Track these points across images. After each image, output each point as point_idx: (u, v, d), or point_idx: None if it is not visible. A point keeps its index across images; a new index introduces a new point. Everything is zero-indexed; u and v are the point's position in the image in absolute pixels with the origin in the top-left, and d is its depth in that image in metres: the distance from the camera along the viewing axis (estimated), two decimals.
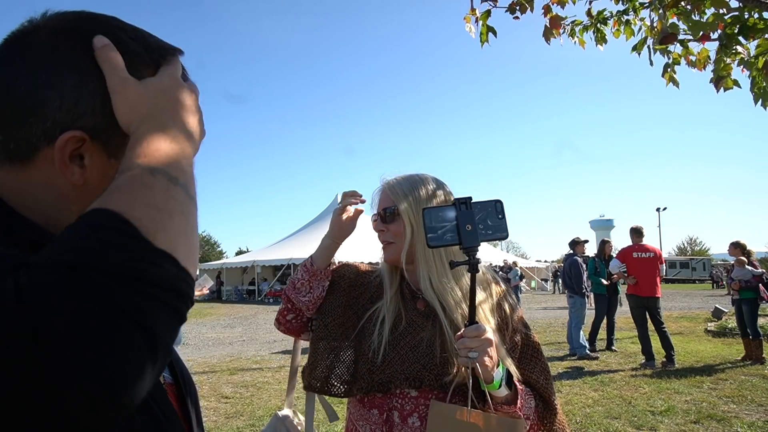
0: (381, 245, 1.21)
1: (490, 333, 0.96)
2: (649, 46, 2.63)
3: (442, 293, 1.10)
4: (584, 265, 7.93)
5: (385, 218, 1.17)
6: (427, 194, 1.18)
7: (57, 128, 0.51)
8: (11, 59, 0.53)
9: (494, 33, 2.74)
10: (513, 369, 1.06)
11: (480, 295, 1.11)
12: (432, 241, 0.95)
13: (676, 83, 2.80)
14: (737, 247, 7.14)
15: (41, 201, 0.54)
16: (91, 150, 0.53)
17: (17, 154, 0.53)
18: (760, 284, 6.83)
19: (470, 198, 0.96)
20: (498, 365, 0.98)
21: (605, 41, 3.03)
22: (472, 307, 0.96)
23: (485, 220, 0.95)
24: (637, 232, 7.08)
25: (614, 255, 7.93)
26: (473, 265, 0.92)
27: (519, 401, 1.01)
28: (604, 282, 7.71)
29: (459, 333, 0.97)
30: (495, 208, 0.96)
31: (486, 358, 0.94)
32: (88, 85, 0.53)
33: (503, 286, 1.21)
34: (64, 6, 0.60)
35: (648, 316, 6.78)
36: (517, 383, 1.04)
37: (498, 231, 0.95)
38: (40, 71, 0.52)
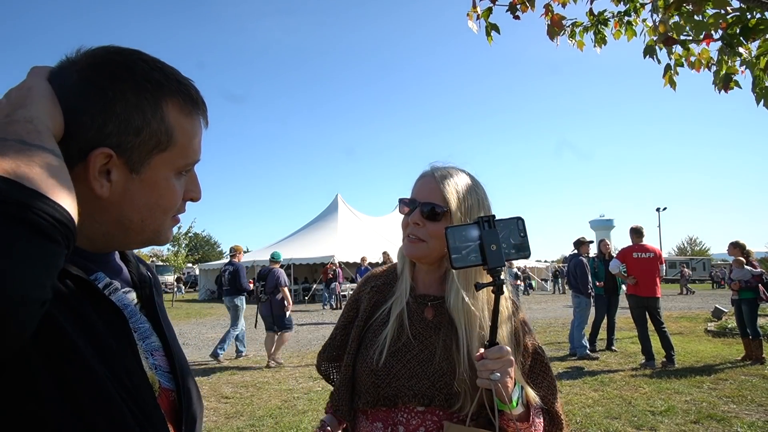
0: (405, 238, 1.12)
1: (511, 354, 0.94)
2: (656, 46, 2.63)
3: (468, 310, 1.05)
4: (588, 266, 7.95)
5: (429, 215, 1.07)
6: (478, 203, 1.10)
7: (88, 146, 0.60)
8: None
9: (497, 31, 2.74)
10: (526, 386, 1.03)
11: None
12: (456, 263, 0.90)
13: (673, 85, 2.80)
14: (737, 247, 7.14)
15: None
16: (117, 166, 0.62)
17: None
18: (760, 284, 6.84)
19: (494, 216, 0.92)
20: (515, 384, 0.96)
21: (604, 42, 3.03)
22: (494, 328, 0.93)
23: (508, 238, 0.91)
24: (636, 232, 7.06)
25: (614, 255, 7.94)
26: (499, 287, 0.89)
27: (531, 417, 0.99)
28: (598, 284, 7.80)
29: (479, 353, 0.94)
30: (517, 225, 0.92)
31: (507, 379, 0.91)
32: (115, 109, 0.61)
33: (514, 300, 1.16)
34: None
35: (648, 316, 6.78)
36: (529, 399, 1.01)
37: (521, 250, 0.92)
38: (75, 100, 0.60)
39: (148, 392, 0.62)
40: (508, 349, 0.94)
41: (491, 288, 0.89)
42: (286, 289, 7.29)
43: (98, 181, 0.61)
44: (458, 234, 0.91)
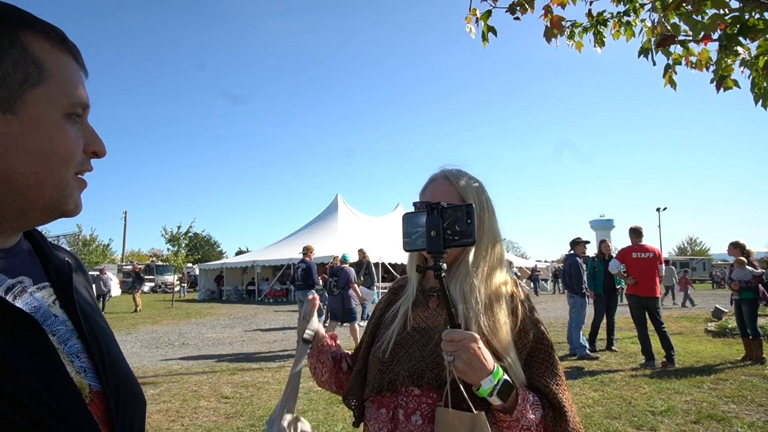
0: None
1: (471, 341, 0.94)
2: (651, 47, 2.63)
3: (468, 297, 1.07)
4: (584, 265, 7.95)
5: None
6: (486, 201, 1.17)
7: None
8: None
9: (494, 33, 2.74)
10: (519, 377, 1.02)
11: (501, 284, 1.12)
12: (406, 246, 0.98)
13: (674, 85, 2.80)
14: (737, 248, 7.16)
15: None
16: None
17: None
18: (760, 284, 6.84)
19: (439, 203, 0.96)
20: (493, 373, 0.95)
21: (603, 44, 3.04)
22: (449, 311, 0.96)
23: (454, 225, 0.94)
24: (636, 233, 7.08)
25: (613, 255, 7.96)
26: (437, 271, 0.93)
27: (516, 411, 0.97)
28: (595, 292, 7.92)
29: (442, 332, 0.98)
30: (465, 212, 0.94)
31: (461, 364, 0.92)
32: None
33: (523, 289, 1.17)
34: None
35: (648, 316, 6.79)
36: (521, 393, 0.99)
37: (464, 236, 0.94)
38: None
39: (74, 400, 0.56)
40: (467, 334, 0.94)
41: (435, 272, 0.94)
42: (356, 286, 8.52)
43: None
44: (410, 220, 0.98)
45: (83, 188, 0.65)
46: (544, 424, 1.02)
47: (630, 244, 7.11)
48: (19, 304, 0.58)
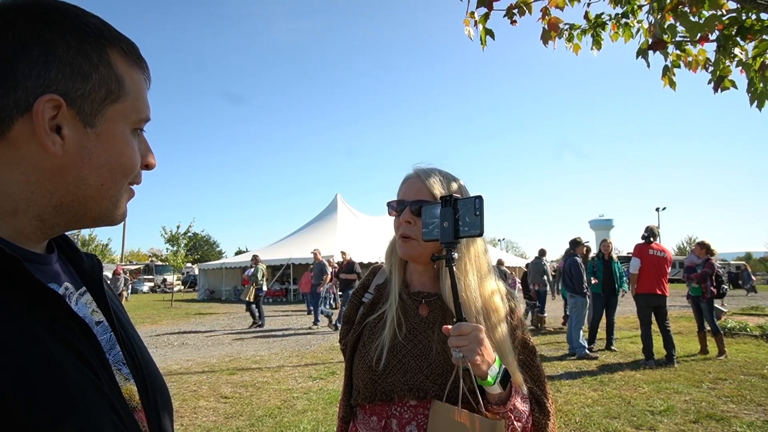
0: (399, 238, 1.14)
1: (478, 331, 0.94)
2: (647, 49, 2.64)
3: (465, 301, 1.06)
4: (583, 265, 7.97)
5: (419, 212, 1.10)
6: (459, 194, 1.14)
7: (30, 95, 0.51)
8: None
9: (492, 36, 2.74)
10: (513, 369, 1.04)
11: (493, 291, 1.12)
12: (424, 236, 1.04)
13: (673, 85, 2.81)
14: (703, 248, 7.62)
15: (11, 184, 0.53)
16: (68, 119, 0.54)
17: None
18: (706, 281, 7.30)
19: (451, 196, 1.00)
20: (495, 361, 0.97)
21: (600, 46, 3.04)
22: (456, 304, 0.96)
23: (464, 216, 0.97)
24: (651, 232, 7.19)
25: (613, 255, 7.99)
26: (449, 260, 0.97)
27: (510, 402, 0.98)
28: (594, 281, 7.91)
29: (445, 327, 0.97)
30: (473, 204, 0.97)
31: (475, 357, 0.92)
32: (57, 52, 0.53)
33: (509, 290, 1.18)
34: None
35: (654, 316, 6.83)
36: (515, 384, 1.02)
37: (472, 228, 0.96)
38: (5, 44, 0.51)
39: (125, 410, 0.56)
40: (474, 326, 0.95)
41: (445, 261, 0.98)
42: None
43: (49, 137, 0.52)
44: (428, 212, 1.04)
45: (131, 197, 0.66)
46: (533, 417, 1.06)
47: (642, 242, 7.18)
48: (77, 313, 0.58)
